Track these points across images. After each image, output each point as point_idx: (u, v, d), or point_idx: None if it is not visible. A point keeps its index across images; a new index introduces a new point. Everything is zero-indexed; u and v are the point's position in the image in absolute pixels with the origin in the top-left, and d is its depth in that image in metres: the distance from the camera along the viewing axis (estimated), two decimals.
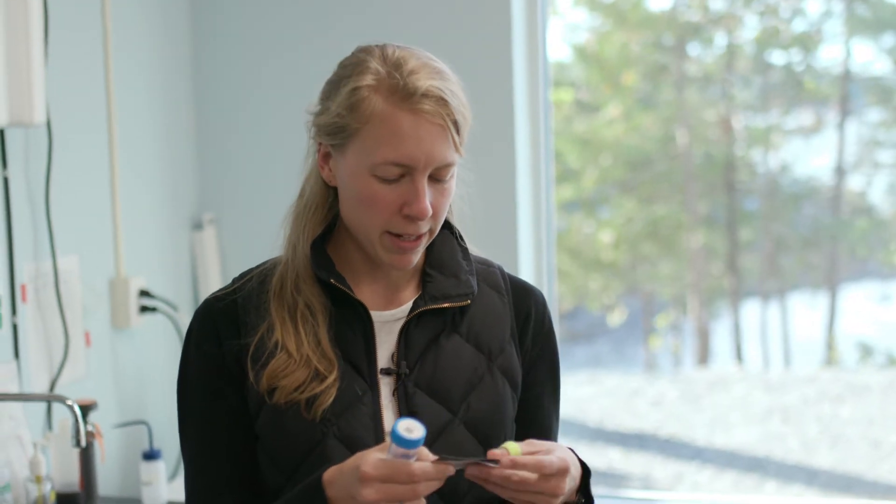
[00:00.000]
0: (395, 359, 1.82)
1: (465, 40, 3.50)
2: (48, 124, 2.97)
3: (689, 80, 10.99)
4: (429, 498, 1.70)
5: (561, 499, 1.70)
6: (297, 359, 1.78)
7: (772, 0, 10.76)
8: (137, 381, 3.42)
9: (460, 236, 1.93)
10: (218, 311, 1.86)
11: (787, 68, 10.94)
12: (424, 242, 1.82)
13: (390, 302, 1.86)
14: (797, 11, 10.82)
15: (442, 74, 1.78)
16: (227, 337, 1.83)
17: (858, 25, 10.67)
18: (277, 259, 1.89)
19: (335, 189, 1.85)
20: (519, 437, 1.85)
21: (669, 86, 11.01)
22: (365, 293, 1.86)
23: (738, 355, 11.03)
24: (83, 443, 2.63)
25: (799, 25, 10.82)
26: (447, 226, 1.92)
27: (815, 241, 11.14)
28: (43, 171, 3.00)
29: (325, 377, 1.77)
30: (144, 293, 3.38)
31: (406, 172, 1.75)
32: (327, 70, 3.74)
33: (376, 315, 1.83)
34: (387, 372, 1.81)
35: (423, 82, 1.74)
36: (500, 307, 1.91)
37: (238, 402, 1.82)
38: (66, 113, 3.08)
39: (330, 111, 1.80)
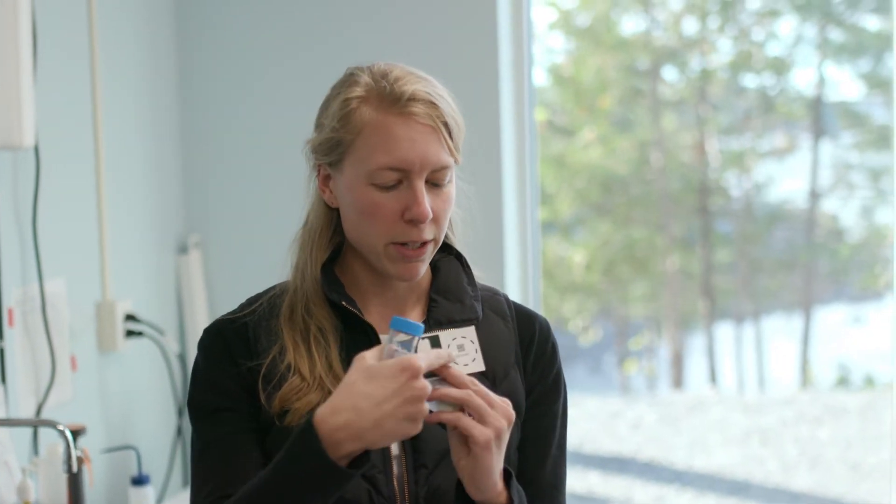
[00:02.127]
0: None
1: (453, 63, 3.51)
2: (36, 148, 2.96)
3: (664, 104, 11.04)
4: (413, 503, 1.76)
5: (503, 439, 1.69)
6: (310, 382, 1.78)
7: (745, 24, 10.83)
8: (123, 406, 3.40)
9: (466, 262, 1.94)
10: (230, 330, 1.86)
11: (761, 92, 11.00)
12: (429, 251, 1.82)
13: None
14: (770, 35, 10.88)
15: (429, 81, 1.81)
16: (238, 356, 1.83)
17: (831, 50, 10.75)
18: (284, 285, 1.90)
19: (339, 212, 1.85)
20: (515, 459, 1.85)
21: (644, 109, 11.06)
22: (373, 316, 1.86)
23: (713, 378, 11.06)
24: (75, 468, 2.62)
25: (772, 49, 10.89)
26: (453, 251, 1.93)
27: (789, 264, 11.19)
28: (30, 194, 2.99)
29: None
30: (130, 317, 3.36)
31: (403, 177, 1.77)
32: (314, 93, 3.74)
33: (384, 339, 1.83)
34: None
35: (410, 87, 1.77)
36: (505, 333, 1.91)
37: (251, 414, 1.82)
38: (53, 137, 3.06)
39: (324, 128, 1.83)
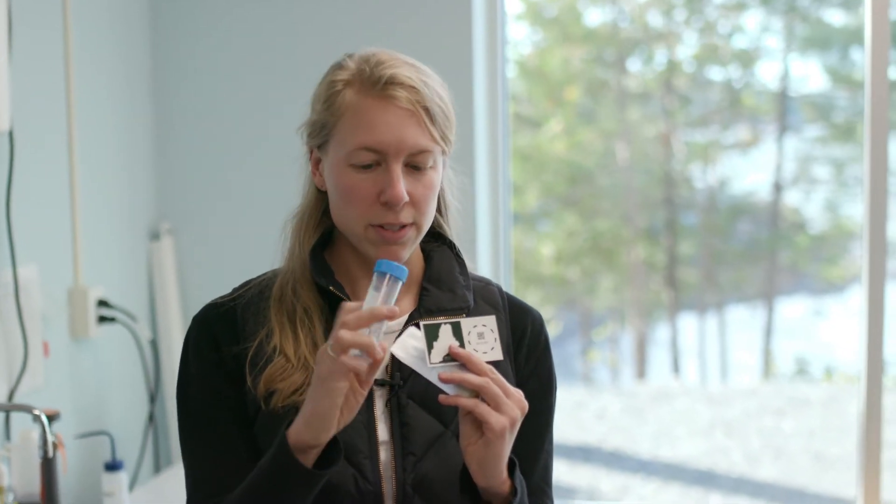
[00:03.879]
0: (388, 370, 1.83)
1: (426, 55, 3.50)
2: (10, 133, 2.95)
3: (630, 96, 11.07)
4: (401, 490, 1.76)
5: (511, 437, 1.71)
6: (294, 363, 1.80)
7: (711, 17, 10.87)
8: (96, 392, 3.40)
9: (459, 253, 1.95)
10: (216, 316, 1.87)
11: (726, 85, 11.04)
12: (412, 236, 1.83)
13: None
14: (736, 28, 10.92)
15: (415, 67, 1.83)
16: (225, 342, 1.84)
17: (796, 43, 10.80)
18: (277, 270, 1.92)
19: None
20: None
21: (610, 101, 11.08)
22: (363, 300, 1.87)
23: (676, 369, 11.11)
24: (51, 453, 2.62)
25: (738, 42, 10.94)
26: (446, 242, 1.94)
27: (752, 256, 11.24)
28: (4, 180, 2.98)
29: None
30: (103, 303, 3.36)
31: (381, 160, 1.78)
32: (286, 81, 3.76)
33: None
34: (381, 383, 1.82)
35: (390, 70, 1.79)
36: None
37: (238, 404, 1.83)
38: (27, 122, 3.06)
39: (313, 110, 1.86)
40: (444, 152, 1.84)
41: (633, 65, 11.25)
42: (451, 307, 1.87)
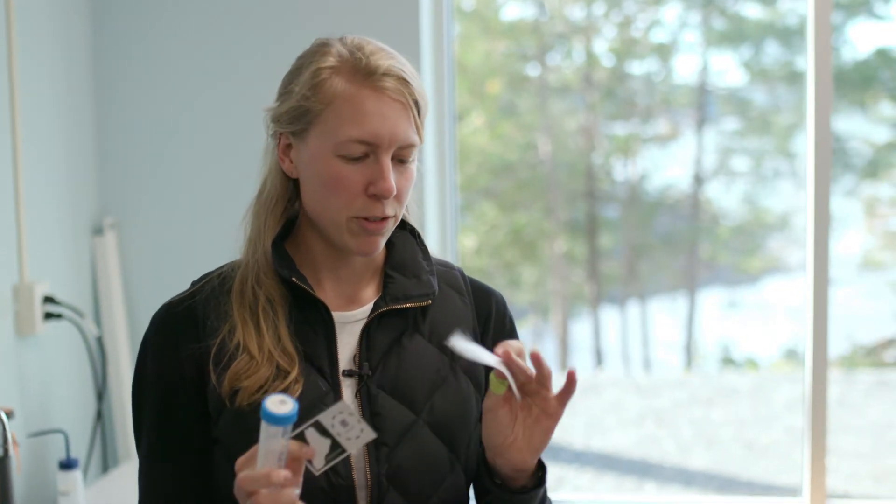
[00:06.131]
0: (357, 360, 1.81)
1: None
2: None
3: (551, 90, 11.12)
4: (375, 482, 1.75)
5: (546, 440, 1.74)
6: (258, 359, 1.76)
7: (630, 11, 10.95)
8: (44, 390, 3.35)
9: (421, 238, 1.94)
10: (176, 315, 1.83)
11: (646, 78, 11.13)
12: (390, 226, 1.81)
13: (351, 302, 1.86)
14: (655, 23, 11.02)
15: (399, 59, 1.81)
16: (185, 341, 1.81)
17: (715, 37, 10.92)
18: (237, 262, 1.88)
19: (296, 183, 1.84)
20: (481, 437, 1.85)
21: (531, 95, 11.13)
22: (326, 293, 1.85)
23: (599, 360, 11.18)
24: (11, 451, 2.58)
25: (657, 36, 11.03)
26: (407, 227, 1.93)
27: (672, 248, 11.35)
28: None
29: (288, 373, 1.76)
30: (49, 299, 3.31)
31: (370, 151, 1.76)
32: (227, 73, 3.73)
33: (337, 315, 1.83)
34: (349, 374, 1.80)
35: (384, 62, 1.77)
36: (462, 307, 1.92)
37: (193, 409, 1.80)
38: None
39: (292, 95, 1.80)
40: (420, 142, 1.83)
41: (554, 59, 11.30)
42: (417, 293, 1.86)
